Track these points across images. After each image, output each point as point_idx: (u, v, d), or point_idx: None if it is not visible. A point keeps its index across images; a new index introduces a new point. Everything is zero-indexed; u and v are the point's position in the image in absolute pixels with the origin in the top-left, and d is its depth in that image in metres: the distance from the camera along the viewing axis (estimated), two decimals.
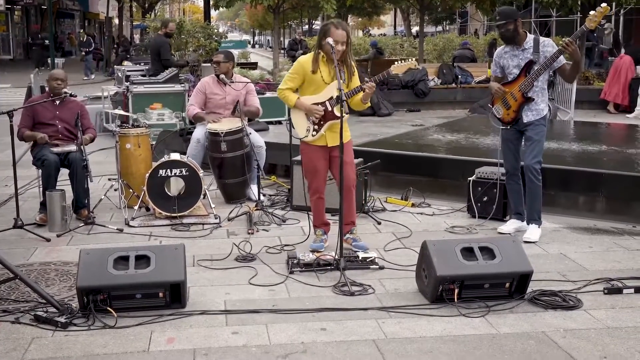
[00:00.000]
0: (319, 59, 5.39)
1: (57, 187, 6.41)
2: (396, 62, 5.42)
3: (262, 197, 6.88)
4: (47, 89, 6.84)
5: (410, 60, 5.46)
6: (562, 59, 5.69)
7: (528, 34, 5.86)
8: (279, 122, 11.17)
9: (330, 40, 5.27)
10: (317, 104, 5.43)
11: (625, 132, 10.67)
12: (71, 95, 6.60)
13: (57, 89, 6.59)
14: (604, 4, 5.48)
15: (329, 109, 5.41)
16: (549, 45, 5.74)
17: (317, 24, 45.63)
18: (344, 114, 5.14)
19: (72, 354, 3.84)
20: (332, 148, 5.46)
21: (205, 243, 5.92)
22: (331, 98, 5.40)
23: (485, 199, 6.52)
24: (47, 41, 30.83)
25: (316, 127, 5.47)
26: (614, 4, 18.55)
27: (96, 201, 6.76)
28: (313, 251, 5.47)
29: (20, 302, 4.52)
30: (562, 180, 6.79)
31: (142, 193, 6.55)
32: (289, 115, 5.77)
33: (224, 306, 4.50)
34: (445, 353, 3.86)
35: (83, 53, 27.01)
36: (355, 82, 5.49)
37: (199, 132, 7.34)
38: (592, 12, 5.52)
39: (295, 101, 5.47)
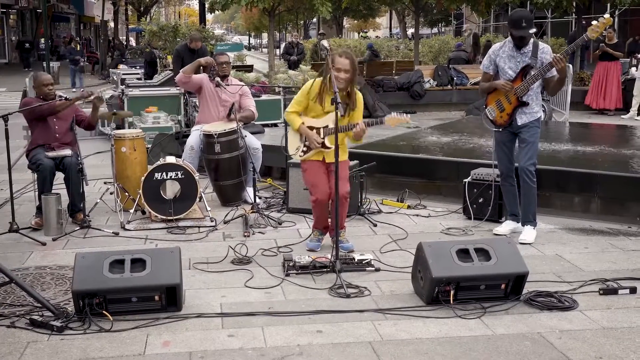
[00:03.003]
0: (323, 90, 5.48)
1: (53, 191, 6.40)
2: (393, 114, 5.52)
3: (258, 200, 6.88)
4: (37, 94, 6.72)
5: (405, 116, 5.48)
6: (553, 71, 5.68)
7: None
8: (275, 125, 11.18)
9: (325, 42, 5.35)
10: (312, 127, 5.58)
11: (620, 132, 10.68)
12: (67, 98, 6.58)
13: (50, 94, 6.54)
14: (606, 15, 5.47)
15: (321, 136, 5.56)
16: (547, 53, 5.72)
17: (314, 25, 45.66)
18: (325, 142, 5.42)
19: (68, 358, 3.83)
20: (329, 164, 5.54)
21: (201, 246, 5.92)
22: (326, 127, 5.53)
23: (480, 200, 6.52)
24: (27, 44, 30.59)
25: (304, 149, 5.66)
26: (609, 5, 18.63)
27: (92, 205, 6.76)
28: (310, 250, 5.56)
29: (15, 306, 4.51)
30: (557, 181, 6.81)
31: (138, 196, 6.55)
32: (285, 129, 5.96)
33: (220, 309, 4.50)
34: (441, 354, 3.86)
35: (80, 62, 24.02)
36: (356, 116, 5.58)
37: (192, 139, 7.33)
38: (594, 22, 5.47)
39: (299, 126, 5.61)
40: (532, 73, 5.71)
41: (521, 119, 5.86)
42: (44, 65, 24.98)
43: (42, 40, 30.93)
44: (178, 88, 11.26)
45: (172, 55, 12.44)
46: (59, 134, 6.57)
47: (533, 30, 5.75)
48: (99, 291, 4.26)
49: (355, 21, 40.96)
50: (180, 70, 7.57)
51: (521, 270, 4.53)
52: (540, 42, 5.89)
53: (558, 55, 5.56)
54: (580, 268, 5.27)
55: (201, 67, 7.71)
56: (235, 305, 4.56)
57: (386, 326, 4.22)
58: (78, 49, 25.36)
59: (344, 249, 5.58)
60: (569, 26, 23.56)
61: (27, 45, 33.83)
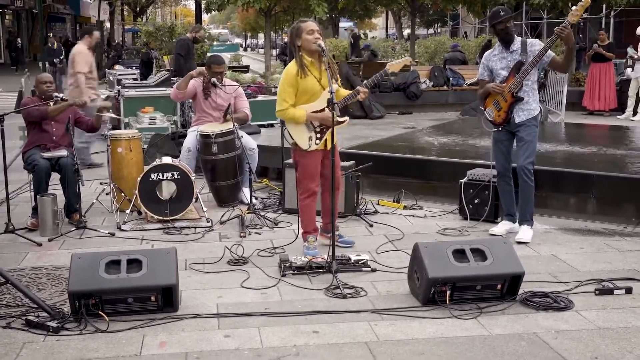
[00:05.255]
0: (304, 62, 5.29)
1: (48, 192, 6.39)
2: (392, 60, 5.52)
3: (254, 200, 6.88)
4: (36, 93, 6.84)
5: (405, 56, 5.57)
6: (550, 53, 5.73)
7: (516, 36, 5.91)
8: (271, 125, 11.19)
9: (321, 43, 5.25)
10: (316, 111, 5.35)
11: (615, 133, 10.71)
12: (62, 99, 6.58)
13: (48, 91, 6.58)
14: None
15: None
16: (536, 44, 5.80)
17: None
18: (336, 117, 5.12)
19: (64, 359, 3.83)
20: (326, 152, 5.40)
21: (197, 246, 5.91)
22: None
23: (477, 200, 6.53)
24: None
25: (319, 135, 5.39)
26: (604, 5, 18.66)
27: (88, 205, 6.75)
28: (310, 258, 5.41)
29: (11, 307, 4.50)
30: (553, 181, 6.81)
31: (134, 197, 6.54)
32: (282, 126, 5.74)
33: (216, 309, 4.50)
34: (438, 355, 3.86)
35: (56, 62, 21.33)
36: (325, 80, 5.36)
37: (189, 141, 7.31)
38: (573, 7, 5.55)
39: (306, 115, 5.31)
40: (524, 67, 5.75)
41: (519, 117, 5.88)
42: (40, 65, 24.80)
43: (18, 40, 31.00)
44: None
45: (179, 47, 12.33)
46: (56, 136, 6.58)
47: (512, 15, 5.87)
48: (95, 292, 4.25)
49: (351, 22, 40.95)
50: (174, 87, 7.52)
51: (517, 270, 4.53)
52: (528, 39, 5.95)
53: (559, 27, 5.55)
54: (576, 268, 5.28)
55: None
56: (231, 305, 4.56)
57: (382, 326, 4.23)
58: (55, 47, 22.89)
59: (345, 243, 5.74)
60: None
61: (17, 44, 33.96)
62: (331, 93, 5.03)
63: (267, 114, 11.25)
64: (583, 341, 4.01)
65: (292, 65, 5.33)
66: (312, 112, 5.35)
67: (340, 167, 5.91)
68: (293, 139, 5.42)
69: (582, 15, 5.71)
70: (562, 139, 9.66)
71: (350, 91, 5.51)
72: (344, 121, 5.39)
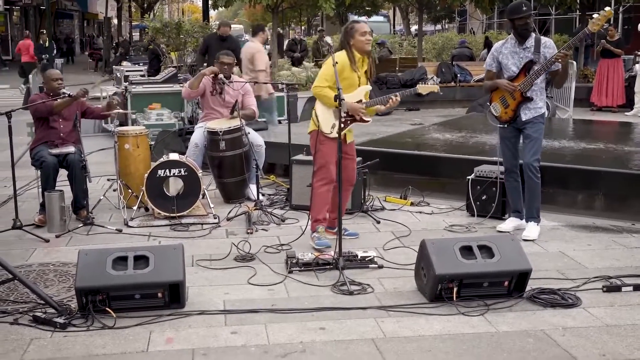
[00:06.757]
0: (354, 59, 5.47)
1: (56, 188, 6.41)
2: (421, 83, 5.85)
3: (261, 197, 6.88)
4: (44, 89, 6.85)
5: (435, 83, 5.76)
6: (557, 64, 5.69)
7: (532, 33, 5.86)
8: (278, 122, 11.18)
9: (328, 39, 5.37)
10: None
11: (623, 129, 10.67)
12: (69, 95, 6.58)
13: (58, 88, 6.58)
14: (607, 8, 5.50)
15: None
16: (550, 47, 5.73)
17: (317, 24, 45.62)
18: (342, 114, 5.21)
19: (71, 355, 3.84)
20: (346, 145, 5.58)
21: (204, 243, 5.92)
22: (360, 101, 5.54)
23: (484, 197, 6.52)
24: None
25: (342, 125, 5.40)
26: (612, 1, 18.56)
27: (95, 201, 6.76)
28: (320, 249, 5.46)
29: (19, 303, 4.52)
30: (561, 178, 6.79)
31: (141, 193, 6.55)
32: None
33: (223, 306, 4.50)
34: (445, 352, 3.86)
35: (44, 60, 19.66)
36: (364, 79, 5.62)
37: (197, 137, 7.33)
38: (595, 16, 5.50)
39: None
40: (536, 68, 5.71)
41: (525, 115, 5.85)
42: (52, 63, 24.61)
43: None
44: (181, 84, 11.26)
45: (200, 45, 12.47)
46: (64, 133, 6.59)
47: (533, 11, 5.82)
48: (102, 288, 4.26)
49: (359, 18, 40.83)
50: (186, 85, 7.54)
51: (524, 267, 4.52)
52: (542, 37, 5.89)
53: (561, 51, 5.57)
54: (584, 265, 5.26)
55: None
56: (238, 302, 4.57)
57: (389, 323, 4.22)
58: (47, 45, 20.97)
59: (351, 235, 5.84)
60: (573, 23, 23.45)
61: None
62: (338, 89, 5.09)
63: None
64: (591, 338, 4.00)
65: (344, 55, 5.51)
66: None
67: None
68: (319, 121, 5.55)
69: (603, 25, 5.69)
70: (570, 135, 9.62)
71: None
72: (368, 121, 5.60)
